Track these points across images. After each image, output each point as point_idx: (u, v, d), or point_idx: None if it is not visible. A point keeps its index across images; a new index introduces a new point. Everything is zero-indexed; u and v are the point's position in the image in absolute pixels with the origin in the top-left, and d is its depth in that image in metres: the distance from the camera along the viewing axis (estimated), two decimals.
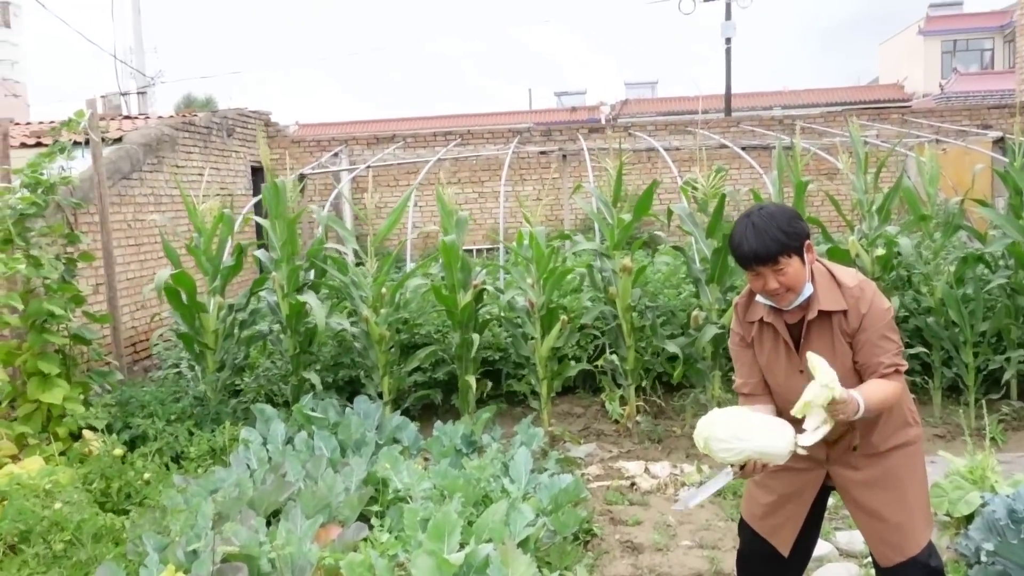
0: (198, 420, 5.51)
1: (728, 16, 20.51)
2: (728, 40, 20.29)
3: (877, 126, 12.85)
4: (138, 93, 21.37)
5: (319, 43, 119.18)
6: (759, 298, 2.61)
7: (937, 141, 11.60)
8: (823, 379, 2.31)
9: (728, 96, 20.53)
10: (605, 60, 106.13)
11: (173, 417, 5.42)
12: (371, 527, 3.99)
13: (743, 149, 11.04)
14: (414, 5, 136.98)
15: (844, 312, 2.48)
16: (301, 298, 5.50)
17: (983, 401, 5.85)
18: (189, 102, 36.40)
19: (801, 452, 2.41)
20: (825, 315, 2.50)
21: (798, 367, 2.55)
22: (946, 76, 33.53)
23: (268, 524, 4.05)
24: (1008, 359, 5.85)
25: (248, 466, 4.77)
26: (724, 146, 11.12)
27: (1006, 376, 5.88)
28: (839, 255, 5.75)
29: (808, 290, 2.50)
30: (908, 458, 2.62)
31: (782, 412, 2.68)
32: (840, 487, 2.68)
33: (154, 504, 4.24)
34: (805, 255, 2.48)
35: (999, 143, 12.06)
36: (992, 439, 5.31)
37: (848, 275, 2.55)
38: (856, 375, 2.53)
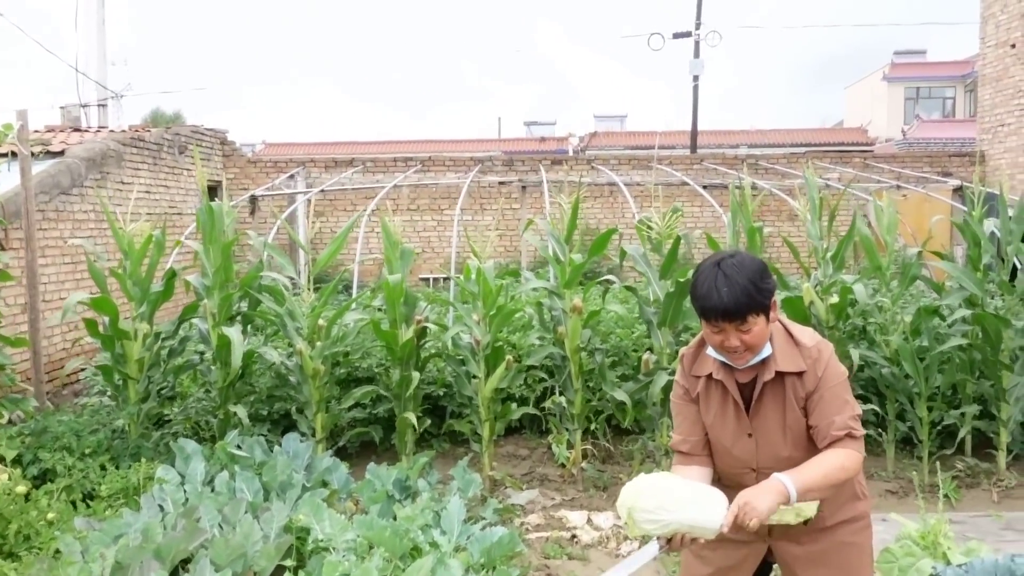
0: (115, 454, 5.17)
1: (696, 54, 20.64)
2: (696, 78, 20.41)
3: (839, 169, 12.89)
4: (98, 105, 20.95)
5: (291, 59, 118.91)
6: (710, 351, 2.42)
7: (898, 187, 11.63)
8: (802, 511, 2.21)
9: (694, 133, 20.60)
10: (576, 92, 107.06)
11: (88, 450, 5.07)
12: None
13: (704, 188, 10.95)
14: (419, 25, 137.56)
15: (800, 374, 2.31)
16: (224, 330, 5.20)
17: (937, 456, 5.70)
18: (156, 117, 35.93)
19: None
20: (779, 377, 2.34)
21: (747, 430, 2.38)
22: (909, 122, 34.12)
23: (175, 575, 3.76)
24: (963, 414, 5.71)
25: (161, 508, 4.44)
26: (685, 183, 11.03)
27: (961, 433, 5.74)
28: (793, 303, 5.59)
29: (767, 351, 2.33)
30: (854, 534, 2.46)
31: (722, 476, 2.50)
32: (781, 562, 2.51)
33: (46, 551, 3.91)
34: (770, 313, 2.30)
35: (959, 191, 12.13)
36: (946, 496, 5.16)
37: (806, 335, 2.39)
38: (809, 443, 2.36)
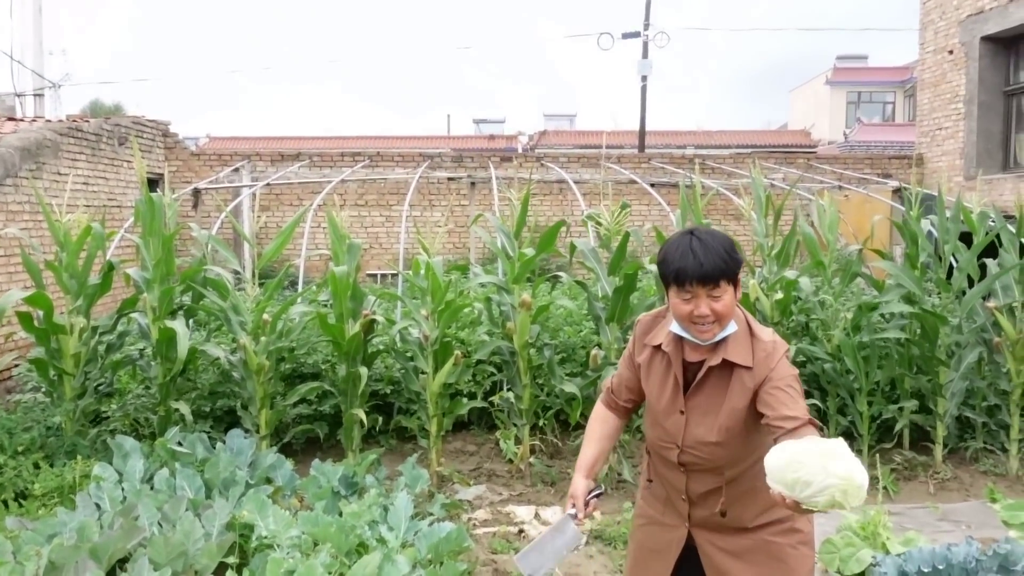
0: (50, 452, 5.02)
1: (645, 55, 20.81)
2: (644, 78, 20.57)
3: (784, 169, 13.10)
4: (34, 95, 20.39)
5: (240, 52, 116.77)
6: (673, 326, 2.38)
7: (840, 187, 11.87)
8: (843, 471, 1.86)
9: (642, 133, 20.76)
10: (525, 90, 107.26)
11: (21, 448, 4.91)
12: None
13: (652, 186, 11.05)
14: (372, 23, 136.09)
15: (748, 368, 2.29)
16: (169, 324, 5.08)
17: (877, 450, 5.83)
18: (95, 108, 35.04)
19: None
20: (727, 366, 2.31)
21: (680, 407, 2.37)
22: (850, 125, 34.91)
23: (113, 575, 3.65)
24: (901, 409, 5.85)
25: (98, 507, 4.31)
26: (634, 181, 11.11)
27: (899, 426, 5.88)
28: (742, 300, 5.66)
29: (732, 327, 2.32)
30: (779, 535, 2.38)
31: (649, 445, 2.53)
32: (702, 552, 2.44)
33: None
34: (737, 289, 2.30)
35: (898, 193, 12.43)
36: (884, 488, 5.28)
37: (765, 331, 2.38)
38: (738, 437, 2.32)
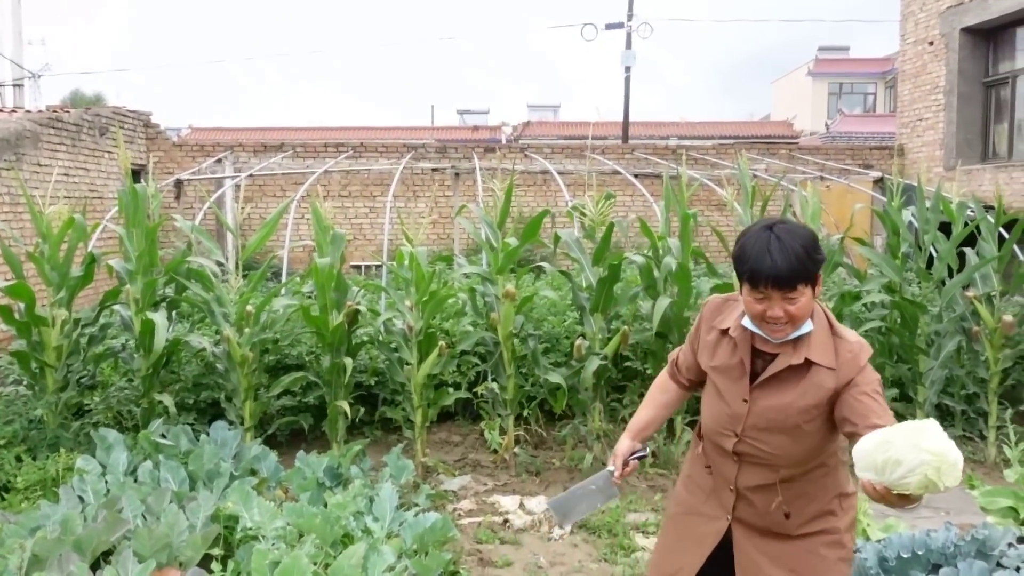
0: (32, 445, 4.99)
1: (628, 45, 20.81)
2: (627, 69, 20.57)
3: (767, 160, 13.16)
4: (13, 85, 20.20)
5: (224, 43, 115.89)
6: (745, 321, 2.27)
7: (822, 178, 11.94)
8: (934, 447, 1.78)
9: (626, 123, 20.78)
10: (509, 81, 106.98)
11: (3, 441, 4.88)
12: (211, 571, 3.61)
13: (636, 176, 11.07)
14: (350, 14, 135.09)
15: (831, 369, 2.17)
16: (149, 315, 5.05)
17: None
18: (76, 98, 34.70)
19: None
20: (805, 364, 2.20)
21: (744, 395, 2.27)
22: (832, 116, 35.08)
23: (97, 568, 3.63)
24: None
25: (82, 500, 4.29)
26: (617, 172, 11.13)
27: None
28: (723, 290, 5.69)
29: (807, 327, 2.20)
30: (823, 546, 2.29)
31: (705, 430, 2.44)
32: (737, 546, 2.35)
33: None
34: (817, 287, 2.18)
35: (879, 183, 12.51)
36: None
37: (850, 332, 2.27)
38: (808, 438, 2.22)
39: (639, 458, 2.53)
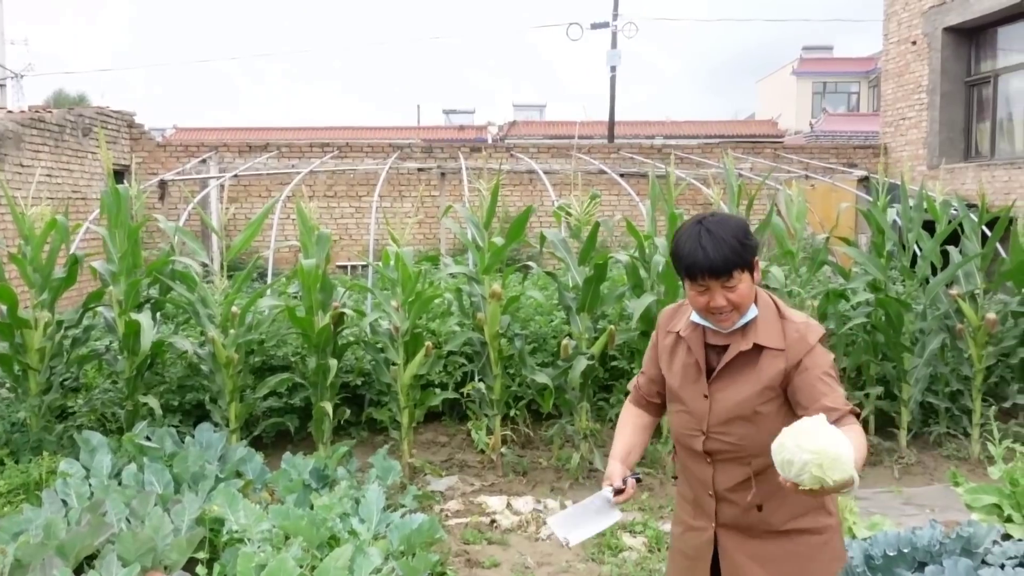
0: (15, 449, 4.94)
1: (614, 45, 20.83)
2: (613, 68, 20.59)
3: (752, 159, 13.20)
4: None
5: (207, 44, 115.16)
6: (694, 316, 2.35)
7: (807, 177, 11.99)
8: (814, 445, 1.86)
9: (611, 123, 20.81)
10: (495, 81, 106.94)
11: None
12: (196, 574, 3.59)
13: (622, 176, 11.09)
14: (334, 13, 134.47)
15: (781, 350, 2.22)
16: (134, 316, 5.01)
17: None
18: (59, 99, 34.44)
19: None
20: (756, 350, 2.25)
21: (704, 391, 2.32)
22: (816, 115, 35.25)
23: (81, 572, 3.61)
24: (867, 395, 5.94)
25: (65, 503, 4.26)
26: (603, 172, 11.14)
27: (864, 412, 5.97)
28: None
29: (753, 312, 2.26)
30: (811, 548, 2.28)
31: (674, 435, 2.44)
32: (724, 553, 2.34)
33: None
34: (755, 273, 2.25)
35: (864, 182, 12.58)
36: None
37: (797, 313, 2.32)
38: (769, 422, 2.21)
39: (636, 479, 2.44)
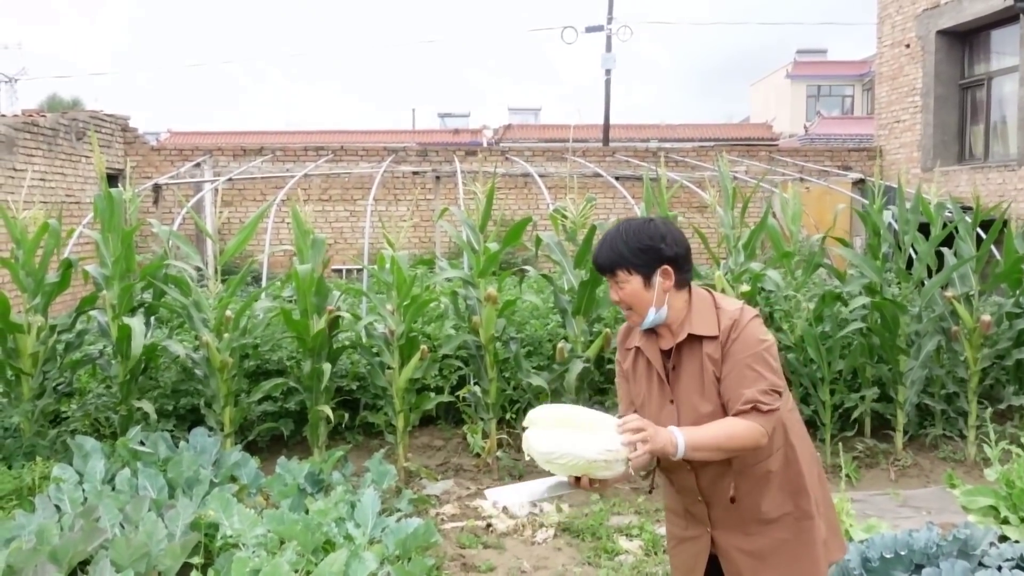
0: (7, 454, 4.91)
1: (608, 48, 20.85)
2: (608, 72, 20.60)
3: (746, 162, 13.22)
4: None
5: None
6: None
7: (801, 179, 12.00)
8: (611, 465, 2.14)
9: (606, 126, 20.81)
10: (490, 84, 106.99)
11: None
12: None
13: (617, 179, 11.09)
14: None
15: (713, 338, 2.29)
16: (127, 320, 4.99)
17: (839, 438, 5.91)
18: (53, 103, 34.40)
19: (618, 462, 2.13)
20: (696, 341, 2.32)
21: (669, 397, 2.38)
22: (810, 119, 35.33)
23: None
24: (863, 397, 5.94)
25: (58, 509, 4.23)
26: (598, 175, 11.14)
27: (855, 413, 5.96)
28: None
29: (654, 313, 2.33)
30: (800, 533, 2.35)
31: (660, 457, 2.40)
32: (725, 557, 2.39)
33: None
34: (656, 278, 2.31)
35: (859, 184, 12.59)
36: (847, 476, 5.35)
37: (732, 302, 2.38)
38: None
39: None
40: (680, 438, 2.15)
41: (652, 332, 2.42)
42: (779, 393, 2.26)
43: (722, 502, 2.36)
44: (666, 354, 2.40)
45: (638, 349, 2.46)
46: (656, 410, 2.39)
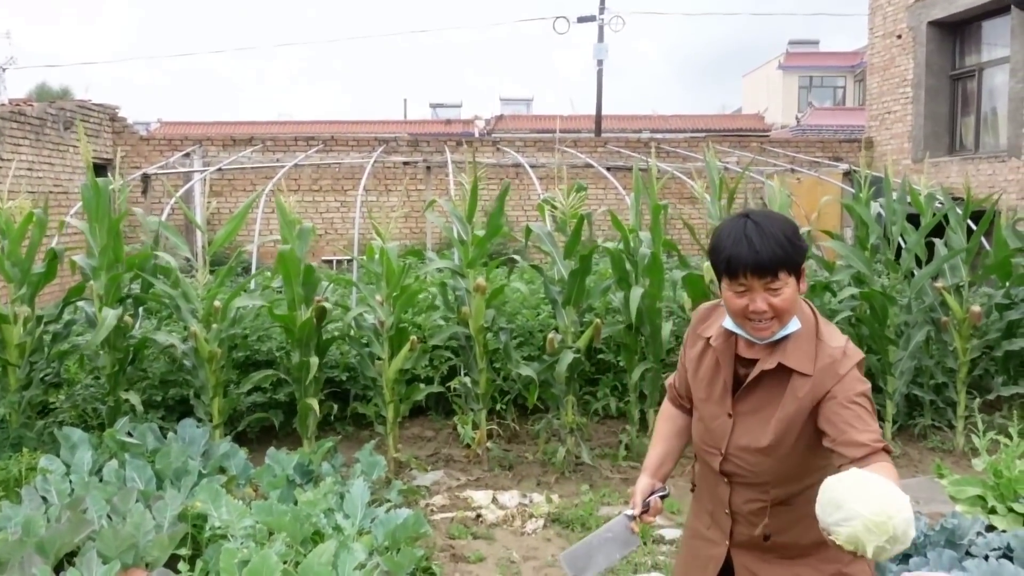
0: None
1: (601, 39, 20.81)
2: (600, 62, 20.57)
3: (738, 153, 13.22)
4: None
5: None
6: (727, 322, 2.10)
7: (792, 170, 12.01)
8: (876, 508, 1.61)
9: (598, 117, 20.79)
10: (482, 74, 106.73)
11: None
12: (178, 571, 3.56)
13: (608, 170, 11.07)
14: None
15: (807, 376, 1.98)
16: (105, 310, 4.96)
17: None
18: (42, 92, 34.20)
19: None
20: (783, 371, 2.01)
21: (728, 410, 2.11)
22: (802, 110, 35.32)
23: (60, 570, 3.56)
24: None
25: (45, 500, 4.21)
26: (590, 165, 11.13)
27: None
28: (693, 281, 5.70)
29: (794, 325, 2.01)
30: (830, 563, 2.07)
31: (697, 451, 2.27)
32: (739, 573, 2.19)
33: None
34: (801, 281, 2.00)
35: (849, 175, 12.61)
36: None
37: (835, 334, 2.06)
38: (794, 454, 2.03)
39: (661, 496, 2.29)
40: None
41: (731, 333, 2.11)
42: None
43: (750, 528, 2.14)
44: (741, 361, 2.11)
45: (708, 343, 2.17)
46: (710, 417, 2.16)
